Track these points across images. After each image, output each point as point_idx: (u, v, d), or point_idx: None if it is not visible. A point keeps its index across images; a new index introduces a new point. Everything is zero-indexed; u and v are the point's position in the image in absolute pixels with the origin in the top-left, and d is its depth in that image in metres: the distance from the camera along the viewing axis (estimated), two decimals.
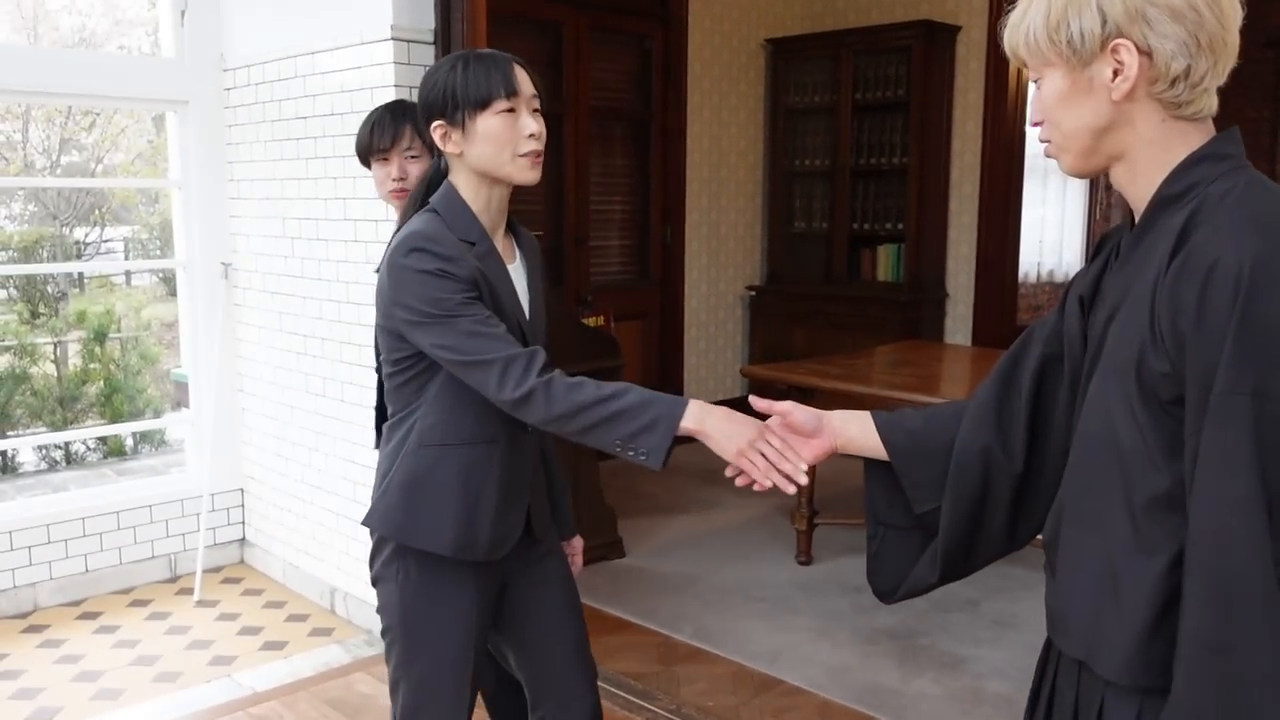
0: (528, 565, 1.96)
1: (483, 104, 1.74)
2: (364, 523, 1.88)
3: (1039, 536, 1.40)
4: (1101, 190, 10.57)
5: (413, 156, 2.48)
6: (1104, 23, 1.11)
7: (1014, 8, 1.21)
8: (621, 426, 1.60)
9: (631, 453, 1.60)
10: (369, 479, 3.51)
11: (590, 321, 5.10)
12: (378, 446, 2.71)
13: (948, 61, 5.79)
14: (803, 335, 6.16)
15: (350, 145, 3.41)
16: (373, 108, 3.32)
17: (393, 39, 3.21)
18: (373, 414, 2.19)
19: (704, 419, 1.59)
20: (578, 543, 2.19)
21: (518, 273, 1.88)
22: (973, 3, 5.71)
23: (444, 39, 3.28)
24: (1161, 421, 1.10)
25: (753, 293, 6.44)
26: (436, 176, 1.86)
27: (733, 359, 6.47)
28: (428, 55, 3.28)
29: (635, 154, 5.99)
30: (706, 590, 3.92)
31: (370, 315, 3.44)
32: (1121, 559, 1.15)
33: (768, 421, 1.58)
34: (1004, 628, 3.56)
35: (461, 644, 1.86)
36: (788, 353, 5.94)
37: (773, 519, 4.65)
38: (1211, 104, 1.14)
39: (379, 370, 1.97)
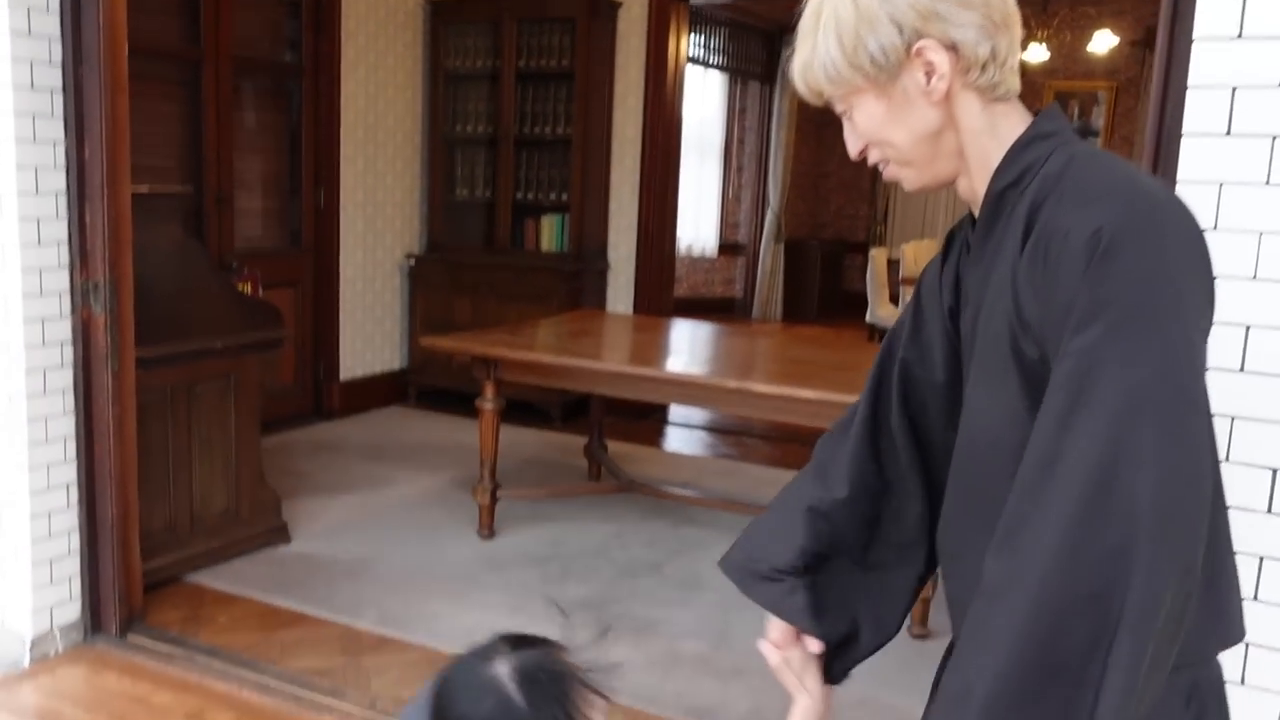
0: None
1: None
2: None
3: None
4: (734, 171, 11.30)
5: None
6: (900, 31, 1.10)
7: (794, 50, 1.17)
8: None
9: None
10: None
11: (241, 288, 4.65)
12: None
13: (609, 35, 5.84)
14: (466, 305, 6.00)
15: None
16: None
17: None
18: None
19: None
20: None
21: None
22: None
23: None
24: None
25: (412, 261, 6.18)
26: None
27: (392, 330, 6.19)
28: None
29: (284, 110, 5.54)
30: (386, 572, 3.69)
31: None
32: None
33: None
34: (690, 589, 3.65)
35: None
36: (451, 323, 5.76)
37: (449, 493, 4.47)
38: (1017, 82, 1.15)
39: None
